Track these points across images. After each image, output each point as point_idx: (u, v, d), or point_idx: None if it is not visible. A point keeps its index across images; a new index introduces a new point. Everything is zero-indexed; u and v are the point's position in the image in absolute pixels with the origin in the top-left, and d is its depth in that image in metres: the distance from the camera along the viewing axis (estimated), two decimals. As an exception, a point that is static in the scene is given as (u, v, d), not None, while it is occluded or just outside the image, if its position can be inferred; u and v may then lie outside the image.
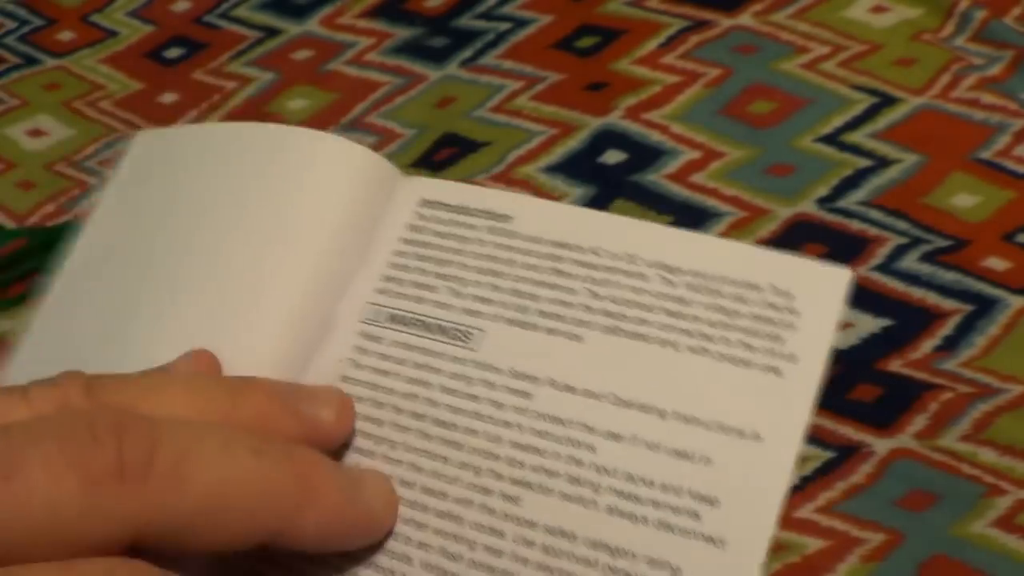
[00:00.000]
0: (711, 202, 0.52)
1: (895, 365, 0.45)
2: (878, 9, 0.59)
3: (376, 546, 0.25)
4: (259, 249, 0.28)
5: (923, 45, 0.57)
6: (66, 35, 0.69)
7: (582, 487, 0.24)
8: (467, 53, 0.62)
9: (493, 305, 0.27)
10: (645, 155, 0.54)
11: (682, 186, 0.53)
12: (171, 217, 0.29)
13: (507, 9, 0.64)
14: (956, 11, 0.58)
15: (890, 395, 0.44)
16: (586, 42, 0.61)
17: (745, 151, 0.54)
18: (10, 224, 0.57)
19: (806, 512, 0.41)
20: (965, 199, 0.50)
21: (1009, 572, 0.39)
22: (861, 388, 0.44)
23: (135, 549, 0.21)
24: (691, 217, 0.51)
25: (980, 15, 0.58)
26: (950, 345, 0.45)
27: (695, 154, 0.54)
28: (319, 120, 0.60)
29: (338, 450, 0.26)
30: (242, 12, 0.68)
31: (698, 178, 0.53)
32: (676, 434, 0.24)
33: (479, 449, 0.25)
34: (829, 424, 0.43)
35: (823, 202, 0.51)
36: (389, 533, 0.25)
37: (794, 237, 0.50)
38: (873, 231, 0.50)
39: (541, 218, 0.28)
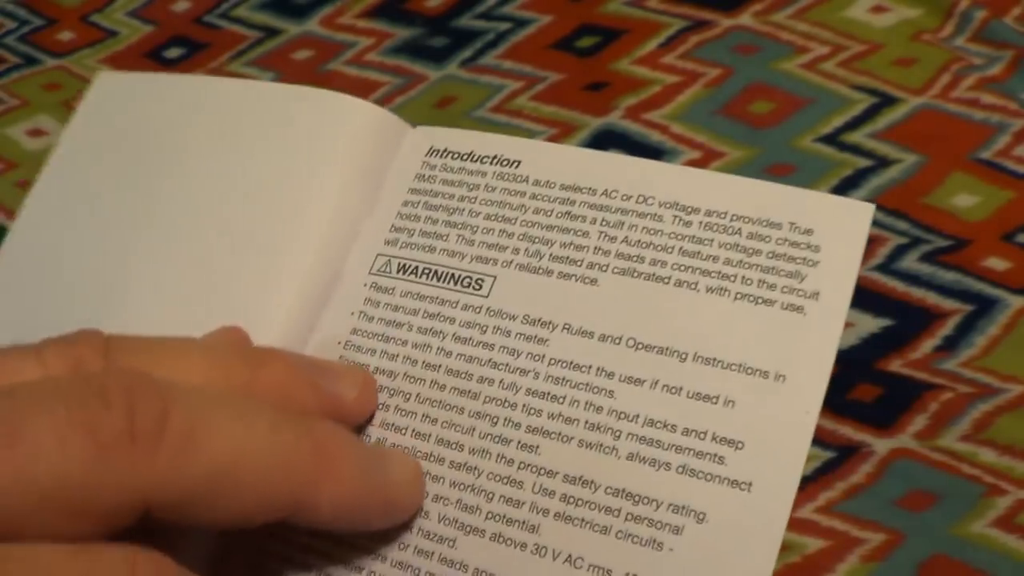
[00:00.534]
0: (711, 202, 0.52)
1: (895, 365, 0.45)
2: (878, 9, 0.59)
3: None
4: (267, 206, 0.27)
5: (923, 45, 0.57)
6: (66, 35, 0.69)
7: (602, 434, 0.23)
8: (467, 53, 0.62)
9: (505, 251, 0.26)
10: (645, 155, 0.54)
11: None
12: (155, 167, 0.28)
13: (507, 9, 0.64)
14: (956, 11, 0.58)
15: (890, 395, 0.44)
16: (586, 42, 0.61)
17: (745, 151, 0.54)
18: (10, 224, 0.57)
19: (806, 512, 0.41)
20: (965, 199, 0.50)
21: (1009, 572, 0.39)
22: (861, 388, 0.44)
23: (144, 531, 0.20)
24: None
25: (980, 15, 0.58)
26: (950, 345, 0.45)
27: (695, 154, 0.54)
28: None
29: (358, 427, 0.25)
30: (242, 12, 0.68)
31: (698, 178, 0.53)
32: (697, 377, 0.23)
33: (495, 398, 0.24)
34: (829, 424, 0.43)
35: (823, 202, 0.51)
36: (414, 516, 0.24)
37: (794, 237, 0.50)
38: (873, 231, 0.50)
39: (551, 162, 0.27)
